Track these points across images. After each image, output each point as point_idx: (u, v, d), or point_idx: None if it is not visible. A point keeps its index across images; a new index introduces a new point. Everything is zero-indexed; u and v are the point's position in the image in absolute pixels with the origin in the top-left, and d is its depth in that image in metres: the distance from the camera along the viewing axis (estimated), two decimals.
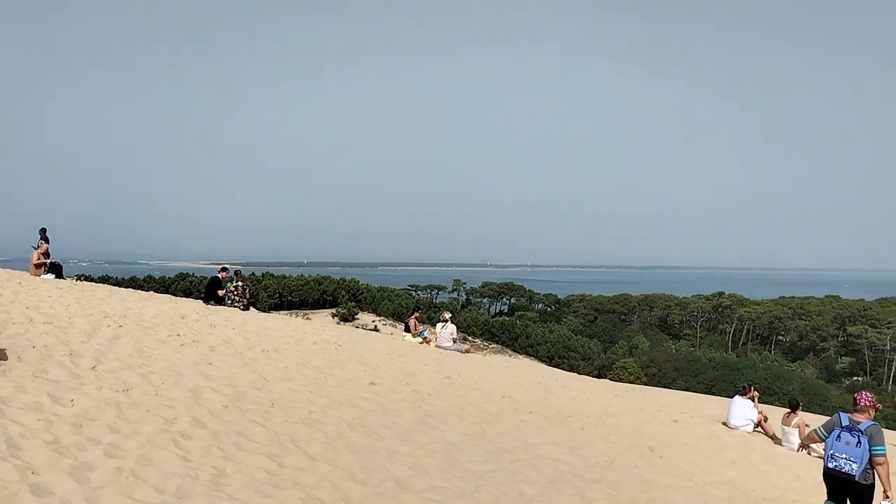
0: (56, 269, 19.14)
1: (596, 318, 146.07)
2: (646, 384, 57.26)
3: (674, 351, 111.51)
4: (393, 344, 17.61)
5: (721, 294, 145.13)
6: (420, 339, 19.42)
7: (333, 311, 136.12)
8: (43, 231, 20.04)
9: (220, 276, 19.46)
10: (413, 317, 20.32)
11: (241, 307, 18.62)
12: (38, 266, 18.86)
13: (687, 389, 49.04)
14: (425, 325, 20.49)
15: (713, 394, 42.57)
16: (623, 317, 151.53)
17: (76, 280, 21.55)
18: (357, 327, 78.85)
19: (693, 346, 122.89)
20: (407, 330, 20.11)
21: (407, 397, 10.51)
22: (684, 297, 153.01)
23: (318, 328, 18.27)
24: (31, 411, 6.51)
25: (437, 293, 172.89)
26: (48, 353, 8.87)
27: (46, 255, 19.20)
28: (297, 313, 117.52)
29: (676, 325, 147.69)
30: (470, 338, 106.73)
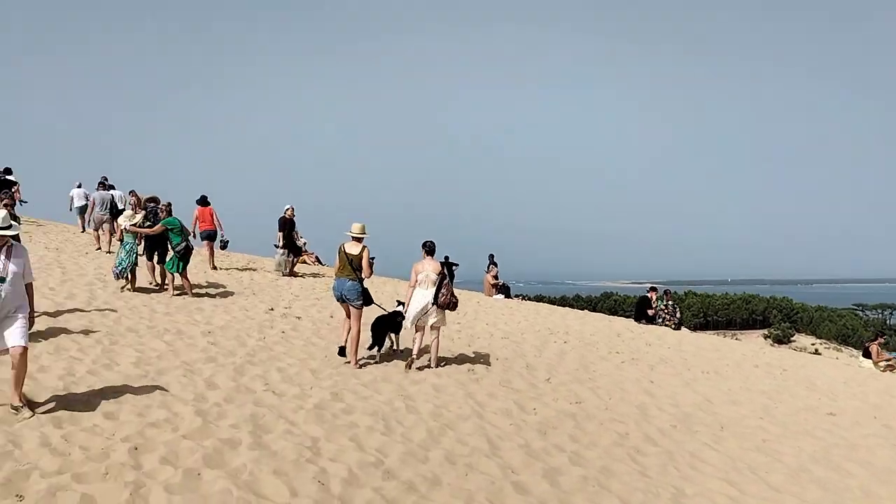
0: (504, 290, 21.57)
1: None
2: None
3: None
4: (847, 371, 15.50)
5: None
6: (883, 367, 16.80)
7: (765, 332, 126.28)
8: (491, 256, 22.82)
9: (648, 295, 19.62)
10: (875, 342, 17.81)
11: (672, 326, 18.46)
12: (492, 286, 21.49)
13: None
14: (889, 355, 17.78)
15: None
16: None
17: (521, 300, 23.90)
18: (795, 350, 71.87)
19: None
20: (866, 356, 17.66)
21: (876, 432, 9.12)
22: None
23: (756, 350, 17.11)
24: (503, 416, 7.36)
25: (891, 313, 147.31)
26: (509, 365, 9.99)
27: (496, 277, 21.75)
28: (724, 333, 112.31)
29: None
30: None
